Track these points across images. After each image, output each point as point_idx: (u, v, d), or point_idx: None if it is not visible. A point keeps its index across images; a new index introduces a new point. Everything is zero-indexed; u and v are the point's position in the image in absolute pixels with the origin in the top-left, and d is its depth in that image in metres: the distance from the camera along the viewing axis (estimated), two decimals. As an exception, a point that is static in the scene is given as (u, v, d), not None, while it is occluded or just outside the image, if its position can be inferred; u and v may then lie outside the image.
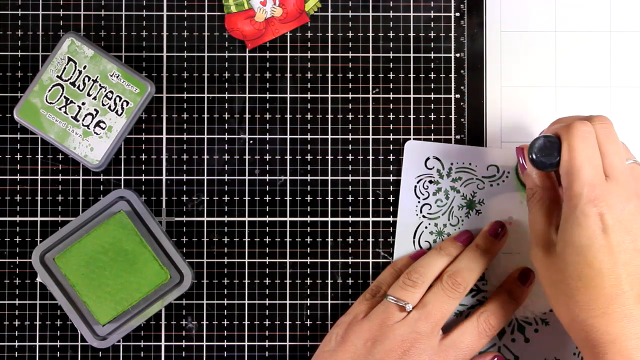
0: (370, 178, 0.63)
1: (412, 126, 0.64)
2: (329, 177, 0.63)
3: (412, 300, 0.59)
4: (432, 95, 0.64)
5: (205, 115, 0.64)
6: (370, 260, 0.63)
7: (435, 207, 0.63)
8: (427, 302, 0.58)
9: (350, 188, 0.63)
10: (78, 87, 0.61)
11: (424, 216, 0.63)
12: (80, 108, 0.61)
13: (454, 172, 0.63)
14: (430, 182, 0.63)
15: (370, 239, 0.63)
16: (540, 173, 0.56)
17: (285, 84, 0.64)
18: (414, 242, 0.63)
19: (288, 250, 0.63)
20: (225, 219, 0.63)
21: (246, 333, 0.63)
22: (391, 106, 0.64)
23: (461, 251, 0.61)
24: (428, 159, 0.63)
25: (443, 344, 0.58)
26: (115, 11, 0.63)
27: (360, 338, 0.57)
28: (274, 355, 0.63)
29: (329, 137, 0.64)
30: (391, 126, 0.64)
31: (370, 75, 0.64)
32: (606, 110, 0.64)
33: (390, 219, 0.63)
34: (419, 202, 0.63)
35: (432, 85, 0.64)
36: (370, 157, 0.64)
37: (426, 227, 0.63)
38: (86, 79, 0.60)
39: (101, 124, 0.61)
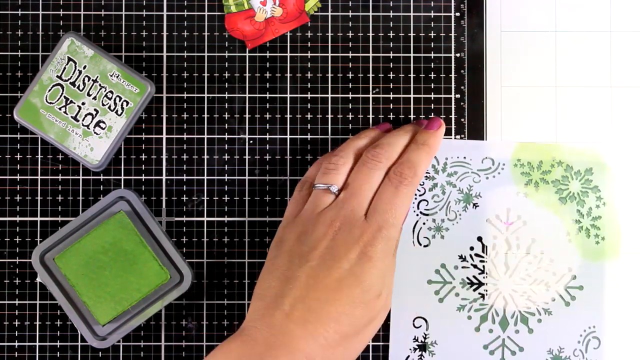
0: (370, 178, 0.63)
1: (412, 126, 0.64)
2: (329, 177, 0.63)
3: (337, 182, 0.58)
4: (432, 95, 0.64)
5: (205, 115, 0.64)
6: (370, 260, 0.63)
7: (432, 203, 0.63)
8: (351, 181, 0.57)
9: (350, 188, 0.63)
10: (78, 87, 0.61)
11: (421, 212, 0.63)
12: (80, 108, 0.61)
13: (449, 167, 0.63)
14: (426, 177, 0.63)
15: (370, 239, 0.63)
16: None
17: (285, 84, 0.64)
18: (413, 239, 0.63)
19: (288, 250, 0.63)
20: (225, 219, 0.63)
21: (246, 333, 0.63)
22: (391, 106, 0.64)
23: (378, 134, 0.61)
24: None
25: (369, 213, 0.56)
26: (115, 11, 0.63)
27: (293, 233, 0.57)
28: (274, 355, 0.63)
29: (329, 137, 0.64)
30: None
31: (370, 75, 0.64)
32: (606, 110, 0.64)
33: (390, 219, 0.63)
34: (415, 198, 0.63)
35: (432, 85, 0.64)
36: (370, 157, 0.63)
37: (424, 224, 0.63)
38: (86, 79, 0.60)
39: (101, 124, 0.61)
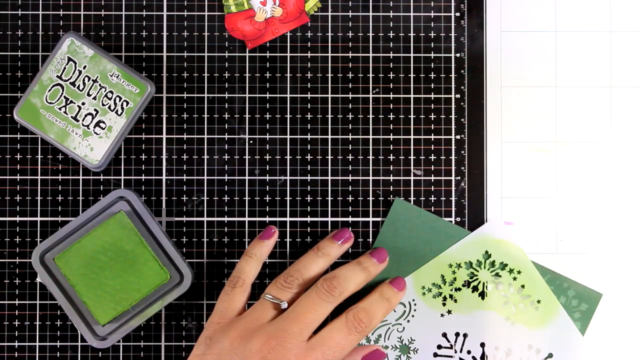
0: (370, 178, 0.63)
1: (412, 126, 0.64)
2: (329, 177, 0.63)
3: (289, 300, 0.58)
4: (432, 95, 0.64)
5: (205, 115, 0.64)
6: (370, 260, 0.63)
7: None
8: (299, 303, 0.57)
9: (350, 188, 0.63)
10: (78, 87, 0.61)
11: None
12: (80, 108, 0.61)
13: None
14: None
15: (370, 239, 0.63)
16: None
17: (285, 84, 0.64)
18: None
19: (288, 250, 0.63)
20: (225, 219, 0.63)
21: (246, 333, 0.63)
22: (391, 106, 0.64)
23: (339, 251, 0.61)
24: None
25: (311, 342, 0.56)
26: (115, 11, 0.63)
27: (227, 338, 0.56)
28: (274, 355, 0.63)
29: (329, 137, 0.64)
30: (391, 126, 0.64)
31: (370, 75, 0.64)
32: (606, 110, 0.64)
33: (390, 219, 0.63)
34: None
35: (432, 85, 0.64)
36: (370, 157, 0.63)
37: None
38: (86, 79, 0.60)
39: (101, 124, 0.61)
